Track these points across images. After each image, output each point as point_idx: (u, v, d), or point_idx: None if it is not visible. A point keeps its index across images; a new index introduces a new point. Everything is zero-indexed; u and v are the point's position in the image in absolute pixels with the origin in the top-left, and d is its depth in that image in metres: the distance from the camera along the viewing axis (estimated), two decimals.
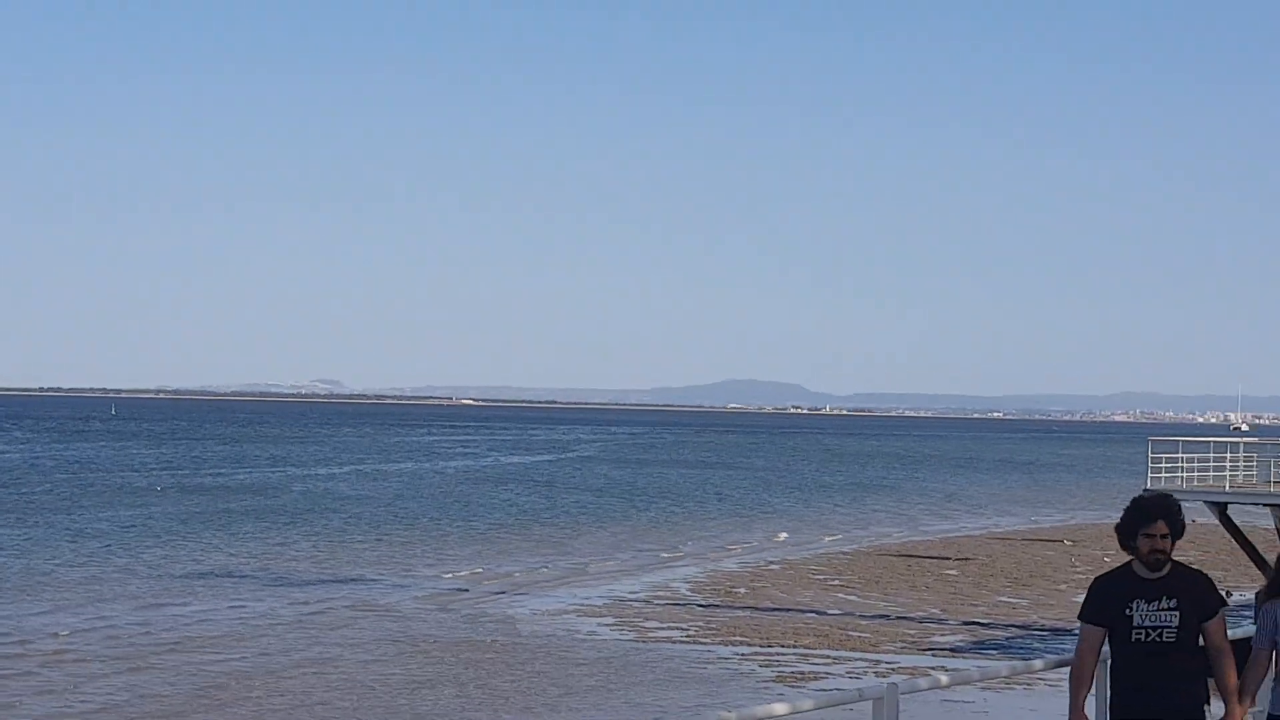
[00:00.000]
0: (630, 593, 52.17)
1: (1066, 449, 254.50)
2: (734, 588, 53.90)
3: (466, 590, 51.96)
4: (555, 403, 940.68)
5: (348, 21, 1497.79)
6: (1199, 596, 9.40)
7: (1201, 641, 9.41)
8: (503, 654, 38.69)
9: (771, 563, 63.37)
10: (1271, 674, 9.69)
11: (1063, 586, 55.72)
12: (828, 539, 75.90)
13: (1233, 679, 9.39)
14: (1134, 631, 9.28)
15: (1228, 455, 48.98)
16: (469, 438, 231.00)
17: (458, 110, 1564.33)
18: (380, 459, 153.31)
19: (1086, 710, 9.56)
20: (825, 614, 47.75)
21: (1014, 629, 45.36)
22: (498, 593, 51.61)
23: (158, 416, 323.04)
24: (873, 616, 47.02)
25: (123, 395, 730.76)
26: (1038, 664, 12.60)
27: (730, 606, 48.90)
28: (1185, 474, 48.18)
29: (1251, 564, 46.10)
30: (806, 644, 41.32)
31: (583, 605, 48.75)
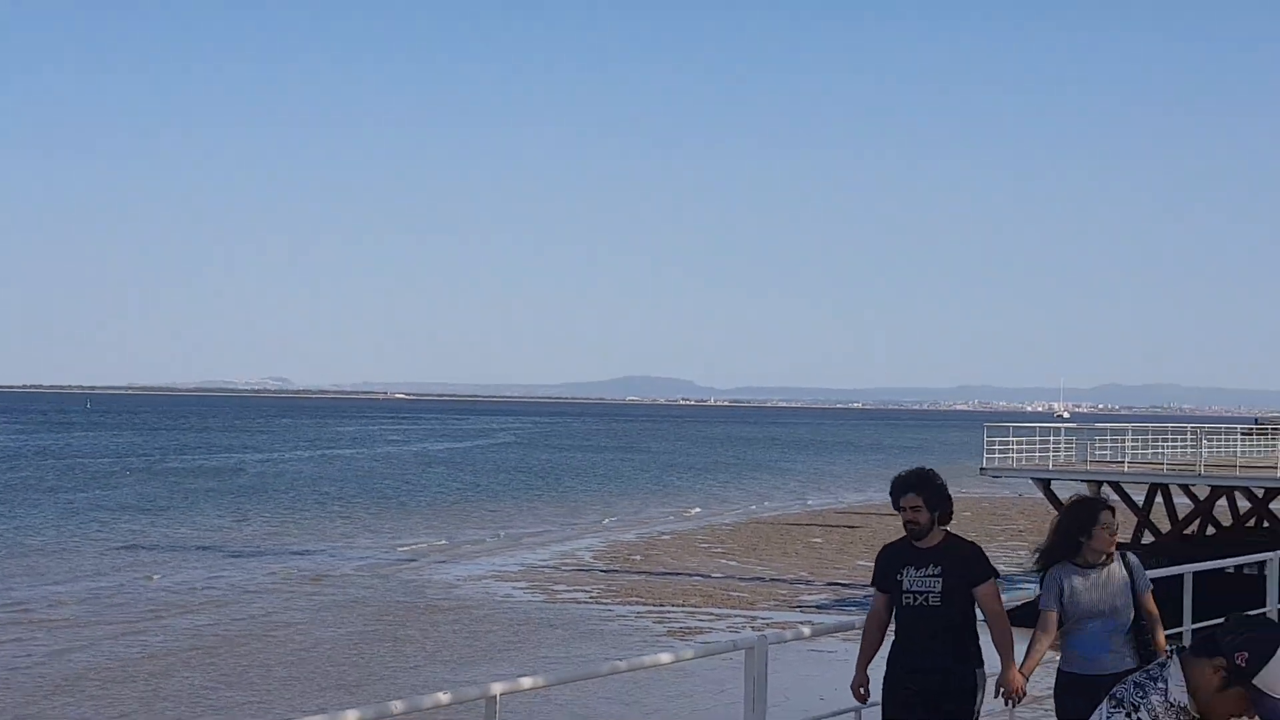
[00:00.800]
0: (542, 560, 52.33)
1: (916, 435, 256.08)
2: (631, 555, 54.18)
3: (401, 560, 52.03)
4: (476, 396, 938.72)
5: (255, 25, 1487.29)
6: (966, 565, 9.10)
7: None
8: (431, 615, 38.91)
9: (664, 534, 63.60)
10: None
11: None
12: (711, 511, 76.36)
13: (1009, 640, 9.11)
14: (904, 595, 9.09)
15: (1051, 439, 49.64)
16: (402, 427, 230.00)
17: (383, 119, 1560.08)
18: (325, 446, 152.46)
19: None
20: (710, 577, 48.13)
21: (869, 588, 45.81)
22: (428, 562, 51.60)
23: (128, 410, 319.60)
24: (750, 579, 47.40)
25: (97, 391, 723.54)
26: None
27: (628, 572, 49.18)
28: (1015, 455, 48.88)
29: None
30: (693, 603, 41.71)
31: (500, 572, 48.95)
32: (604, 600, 42.03)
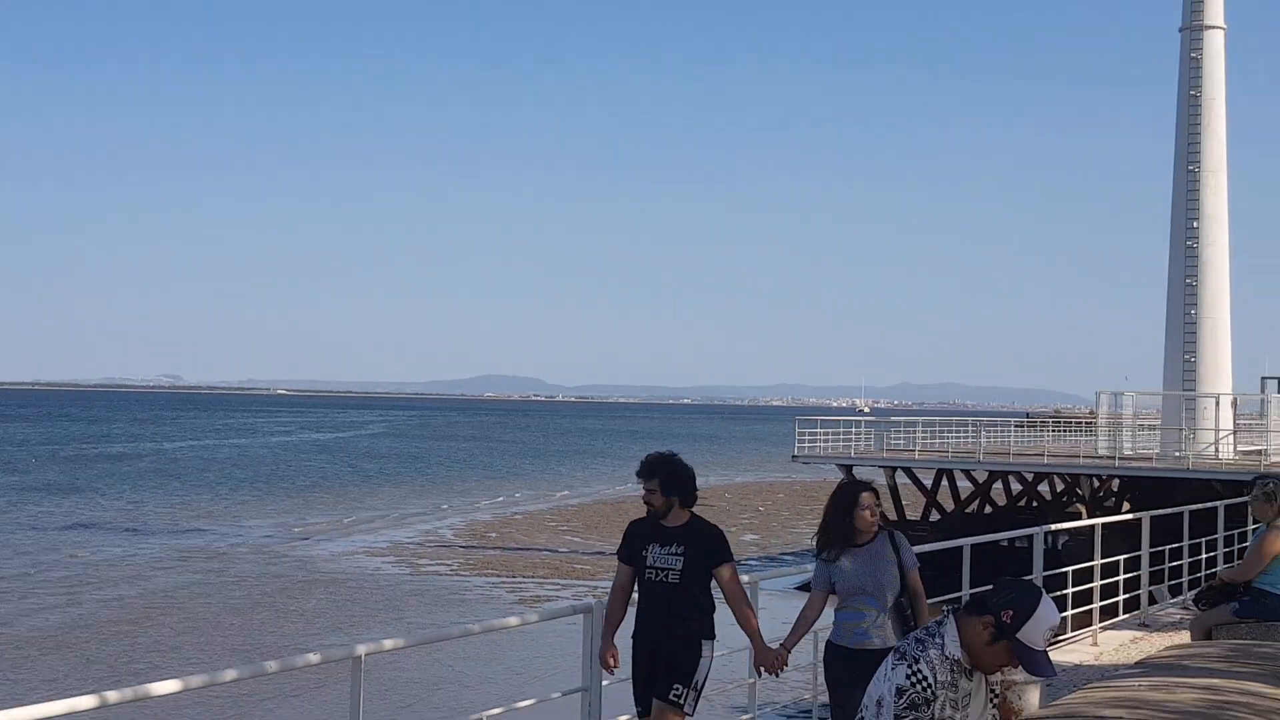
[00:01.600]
0: (408, 538, 52.06)
1: (739, 426, 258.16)
2: (487, 533, 54.08)
3: (284, 538, 51.48)
4: (350, 392, 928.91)
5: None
6: (707, 546, 8.60)
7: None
8: (309, 587, 38.64)
9: (516, 514, 63.57)
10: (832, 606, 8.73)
11: (732, 529, 56.74)
12: (559, 494, 76.37)
13: (749, 618, 8.68)
14: (647, 570, 8.60)
15: (853, 430, 50.35)
16: (284, 420, 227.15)
17: (263, 123, 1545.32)
18: (216, 436, 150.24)
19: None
20: (557, 551, 48.19)
21: (775, 557, 46.12)
22: (308, 539, 51.14)
23: (33, 404, 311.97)
24: (592, 553, 47.45)
25: (4, 386, 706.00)
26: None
27: (484, 547, 49.08)
28: (822, 444, 49.49)
29: None
30: (542, 575, 41.74)
31: (371, 548, 48.64)
32: (462, 573, 41.92)
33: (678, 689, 8.38)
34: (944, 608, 7.12)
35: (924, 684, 5.06)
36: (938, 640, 5.17)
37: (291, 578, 40.36)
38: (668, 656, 8.46)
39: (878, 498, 8.68)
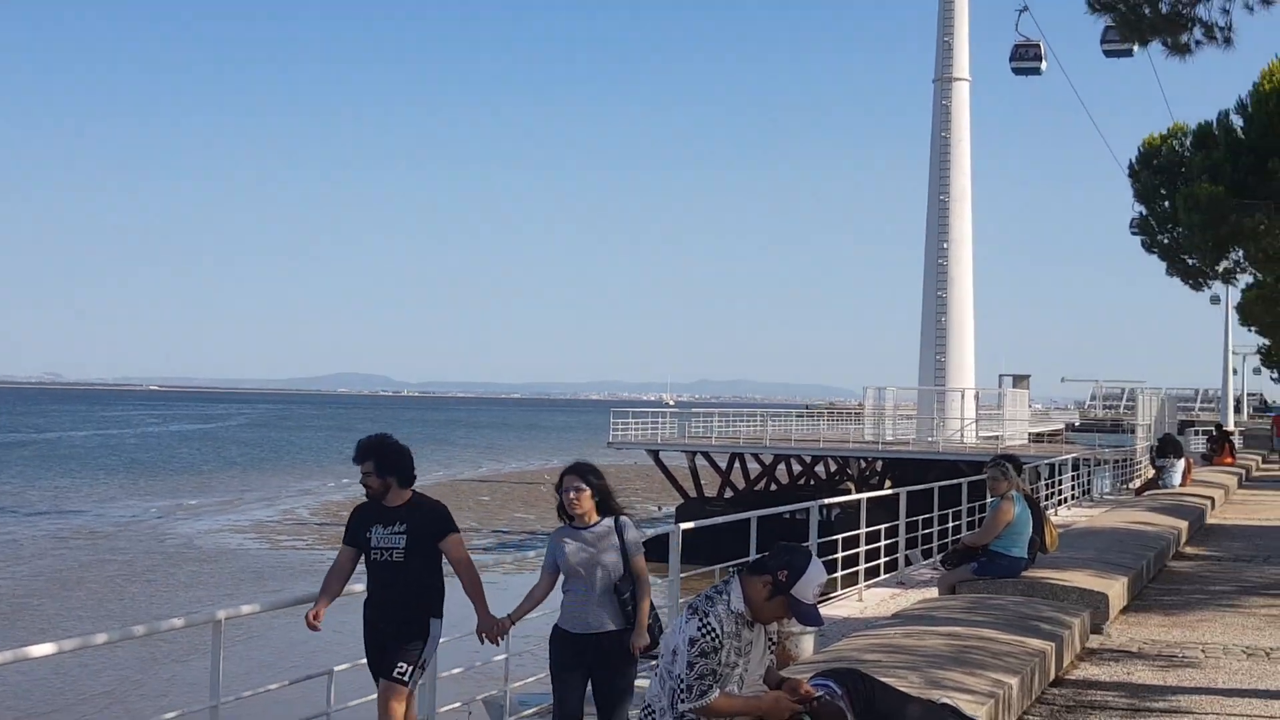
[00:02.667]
0: (269, 517, 51.07)
1: (563, 418, 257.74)
2: (340, 511, 53.13)
3: (155, 517, 50.15)
4: (216, 387, 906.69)
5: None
6: (429, 522, 7.80)
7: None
8: (178, 561, 37.76)
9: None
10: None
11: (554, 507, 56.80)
12: None
13: (476, 586, 7.78)
14: (372, 551, 7.80)
15: (660, 420, 50.69)
16: (158, 412, 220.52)
17: (145, 125, 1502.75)
18: (92, 428, 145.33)
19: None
20: None
21: (524, 534, 46.01)
22: (178, 519, 49.85)
23: None
24: None
25: None
26: (530, 554, 12.83)
27: (338, 524, 48.24)
28: (634, 432, 49.74)
29: (674, 488, 47.82)
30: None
31: (235, 525, 47.61)
32: (317, 547, 41.19)
33: (402, 667, 7.64)
34: (730, 569, 6.90)
35: (712, 634, 5.12)
36: (724, 596, 5.24)
37: (162, 553, 39.36)
38: (394, 635, 7.71)
39: (592, 480, 7.61)
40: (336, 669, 8.13)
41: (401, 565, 7.70)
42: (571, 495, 7.47)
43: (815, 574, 5.20)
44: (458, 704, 9.19)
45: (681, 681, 5.09)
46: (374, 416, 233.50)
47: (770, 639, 5.45)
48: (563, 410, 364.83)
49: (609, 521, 7.55)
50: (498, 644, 7.74)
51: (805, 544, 13.09)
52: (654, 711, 5.29)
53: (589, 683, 7.35)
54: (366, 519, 7.95)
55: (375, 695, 7.79)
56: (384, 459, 7.93)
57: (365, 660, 7.93)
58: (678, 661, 5.12)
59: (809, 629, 8.48)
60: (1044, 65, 45.67)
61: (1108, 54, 39.27)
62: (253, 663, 22.53)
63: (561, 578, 7.60)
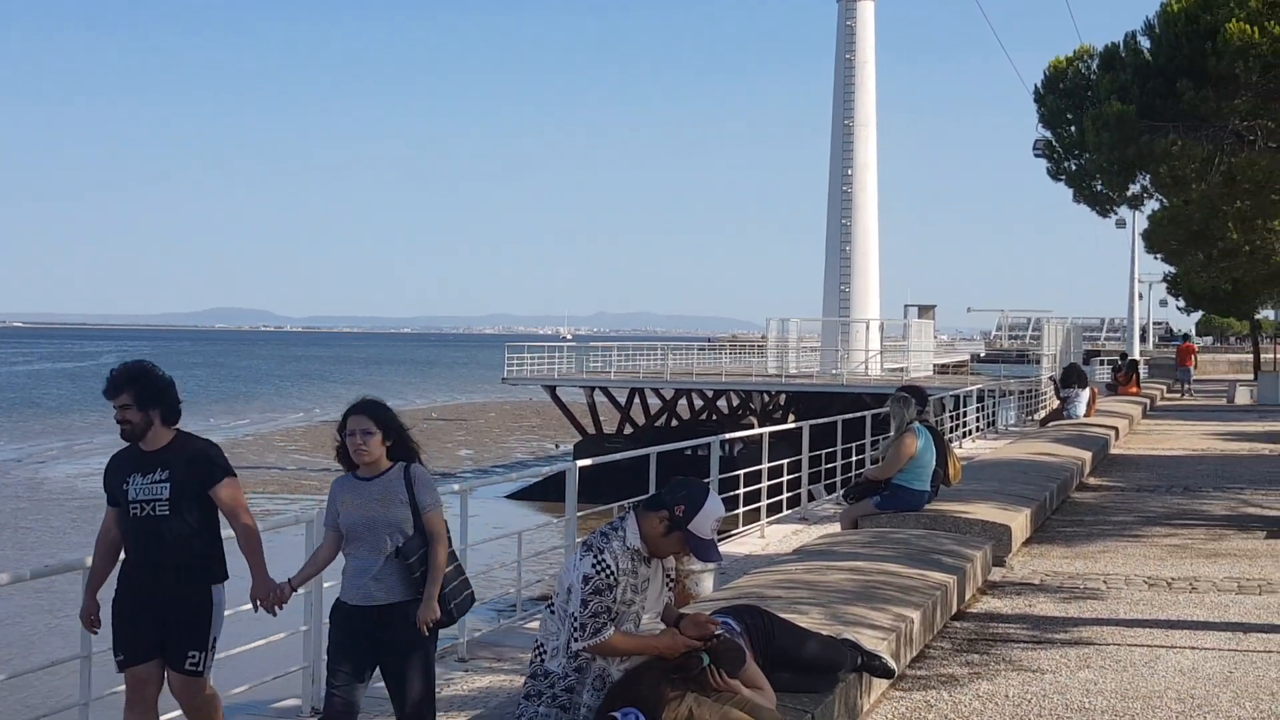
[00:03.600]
0: None
1: (456, 353, 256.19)
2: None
3: (22, 461, 49.30)
4: (84, 324, 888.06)
5: None
6: (195, 466, 6.49)
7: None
8: (47, 505, 37.21)
9: (246, 435, 62.08)
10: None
11: (448, 445, 56.60)
12: (288, 416, 74.82)
13: (252, 546, 6.53)
14: (130, 506, 6.45)
15: (557, 354, 50.67)
16: (22, 350, 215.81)
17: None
18: None
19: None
20: (285, 469, 47.30)
21: (489, 470, 45.85)
22: (46, 462, 49.09)
23: None
24: (319, 470, 46.67)
25: None
26: (478, 487, 12.61)
27: None
28: (530, 367, 49.71)
29: (571, 425, 47.92)
30: (272, 490, 40.94)
31: (101, 471, 46.88)
32: None
33: (193, 656, 6.41)
34: (626, 505, 6.72)
35: (607, 571, 5.16)
36: (620, 533, 5.28)
37: (30, 498, 38.70)
38: (172, 613, 6.41)
39: (385, 419, 6.42)
40: None
41: (167, 520, 6.42)
42: (359, 440, 6.23)
43: (713, 509, 5.26)
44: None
45: (575, 620, 5.14)
46: (256, 353, 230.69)
47: (668, 575, 5.50)
48: (455, 345, 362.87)
49: (398, 469, 6.30)
50: (274, 613, 6.44)
51: (706, 480, 13.22)
52: (545, 651, 5.33)
53: (377, 667, 6.22)
54: (123, 468, 6.65)
55: (259, 642, 7.58)
56: (145, 389, 6.61)
57: (115, 642, 6.50)
58: (572, 599, 5.16)
59: (707, 565, 8.56)
60: None
61: None
62: None
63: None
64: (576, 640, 5.15)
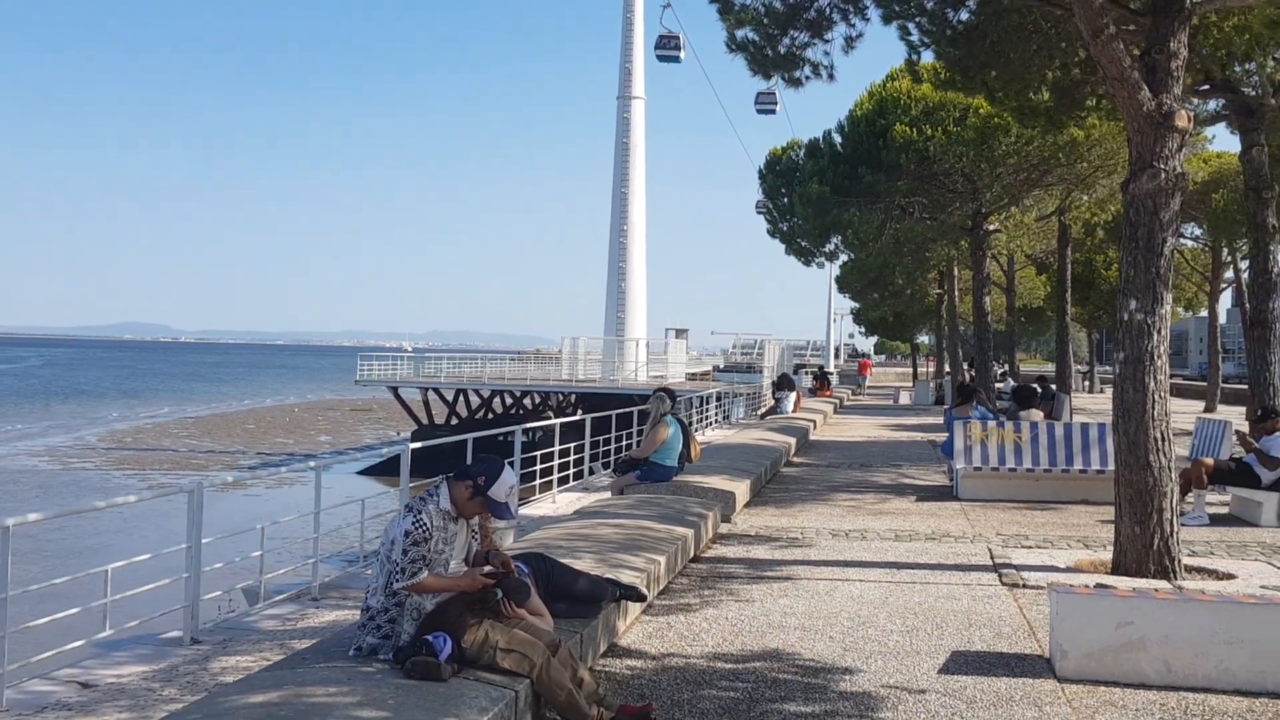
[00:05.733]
0: (60, 443, 47.49)
1: (323, 361, 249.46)
2: (124, 438, 50.11)
3: None
4: (7, 334, 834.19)
5: None
6: None
7: None
8: None
9: (148, 424, 59.18)
10: None
11: (311, 431, 54.99)
12: (183, 408, 71.62)
13: None
14: None
15: (399, 362, 49.86)
16: None
17: None
18: None
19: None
20: (179, 451, 45.22)
21: (284, 454, 44.47)
22: None
23: None
24: (205, 452, 44.91)
25: None
26: (284, 469, 12.25)
27: (122, 449, 45.49)
28: (377, 371, 48.73)
29: (410, 417, 47.09)
30: (166, 467, 39.05)
31: (29, 449, 44.15)
32: (104, 468, 38.68)
33: None
34: (440, 476, 6.71)
35: (423, 527, 5.10)
36: (435, 498, 5.23)
37: None
38: None
39: None
40: (112, 566, 7.69)
41: None
42: None
43: (507, 479, 5.24)
44: (219, 592, 8.84)
45: (397, 565, 5.07)
46: (156, 358, 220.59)
47: (473, 531, 5.47)
48: (317, 354, 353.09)
49: None
50: None
51: (508, 458, 13.15)
52: (370, 592, 5.25)
53: None
54: None
55: (147, 586, 7.31)
56: None
57: None
58: (395, 549, 5.09)
59: (505, 523, 8.52)
60: (683, 54, 46.90)
61: (759, 112, 41.06)
62: (44, 566, 21.01)
63: None
64: (398, 581, 5.08)
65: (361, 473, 37.16)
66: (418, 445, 10.97)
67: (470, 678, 4.87)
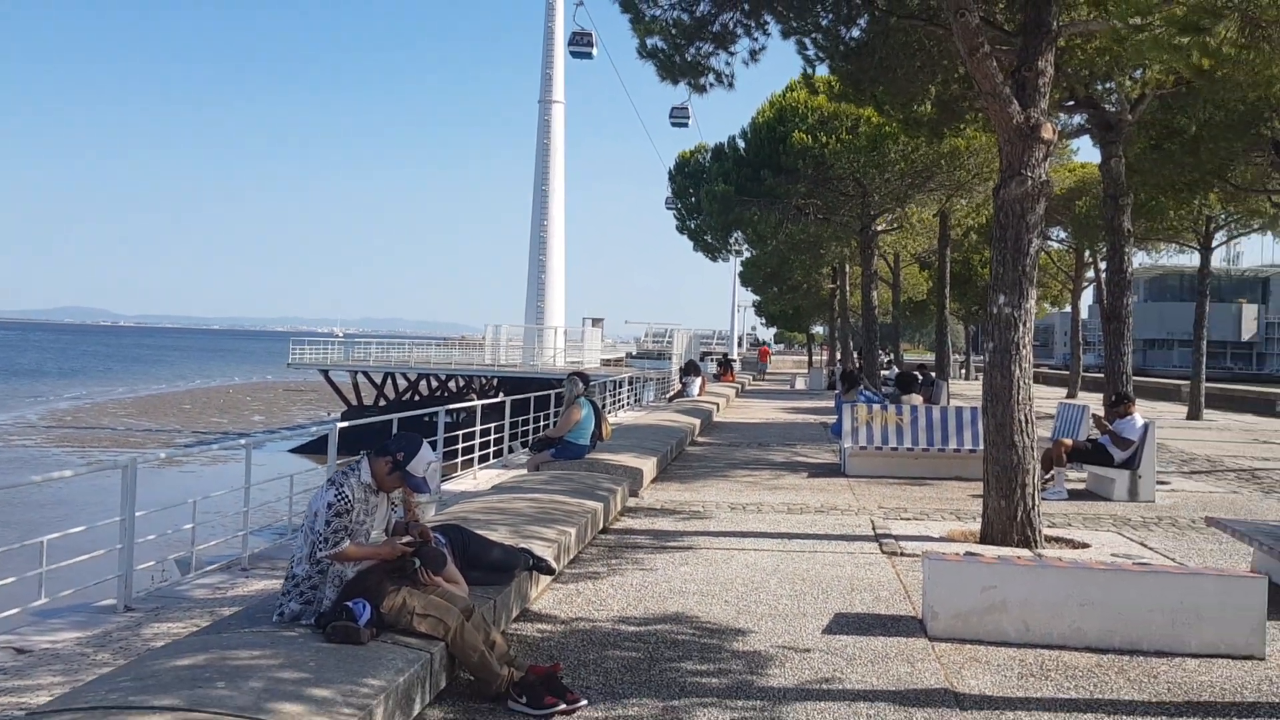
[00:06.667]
0: (1, 421, 45.88)
1: (258, 345, 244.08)
2: (64, 417, 48.55)
3: None
4: None
5: None
6: None
7: None
8: None
9: (86, 404, 57.36)
10: None
11: (246, 411, 53.80)
12: (119, 389, 69.52)
13: None
14: None
15: (330, 347, 49.03)
16: None
17: None
18: None
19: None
20: (117, 430, 43.93)
21: (219, 433, 43.48)
22: None
23: None
24: (144, 431, 43.72)
25: None
26: (215, 447, 11.96)
27: (62, 427, 44.07)
28: (309, 355, 47.88)
29: (340, 399, 46.37)
30: (104, 445, 37.92)
31: None
32: (44, 445, 37.46)
33: None
34: (361, 451, 6.55)
35: (345, 499, 5.02)
36: (356, 472, 5.15)
37: None
38: None
39: None
40: (47, 538, 7.44)
41: None
42: None
43: (425, 455, 5.18)
44: (152, 563, 8.62)
45: (320, 535, 4.98)
46: (99, 342, 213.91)
47: (392, 504, 5.40)
48: (252, 339, 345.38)
49: None
50: None
51: (433, 438, 13.02)
52: (294, 560, 5.16)
53: None
54: None
55: (82, 557, 7.11)
56: None
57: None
58: (318, 520, 5.00)
59: (426, 497, 8.44)
60: (595, 51, 46.86)
61: (674, 125, 41.17)
62: None
63: None
64: (320, 550, 4.99)
65: (293, 451, 36.50)
66: (346, 425, 10.80)
67: (388, 641, 4.81)
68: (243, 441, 9.19)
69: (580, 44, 46.22)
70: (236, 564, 8.43)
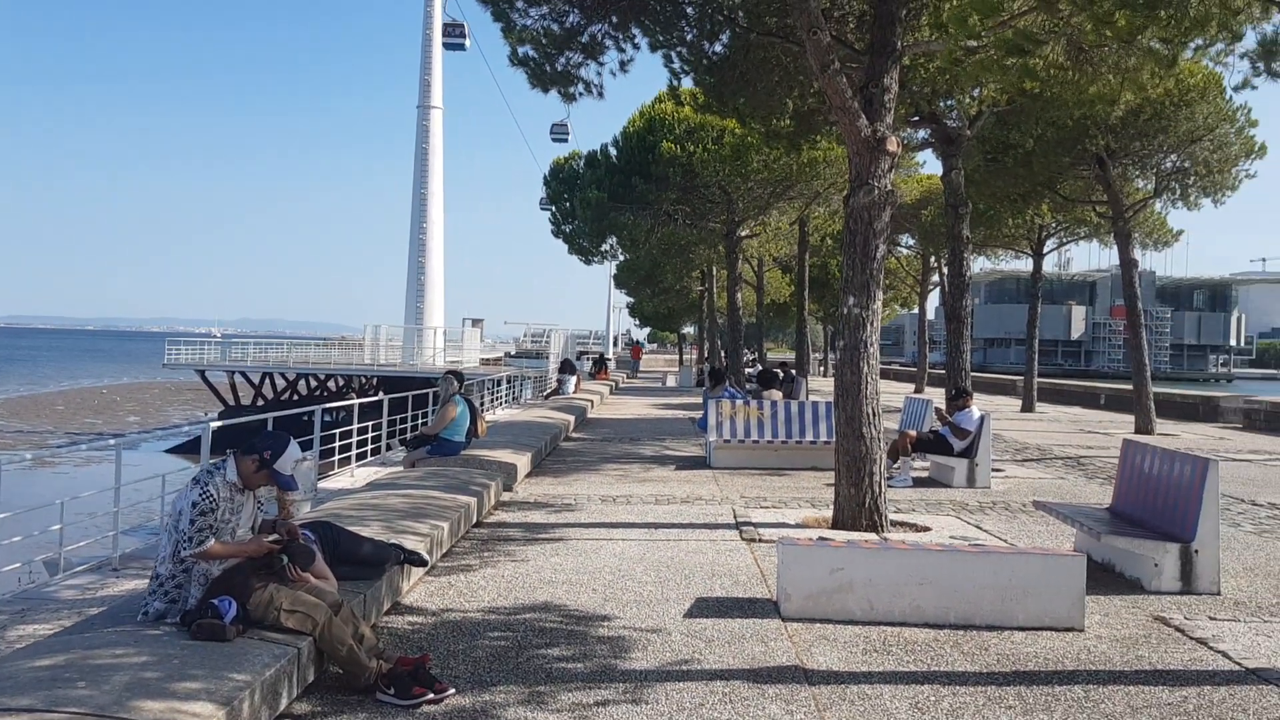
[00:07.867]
0: None
1: (136, 346, 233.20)
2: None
3: None
4: None
5: None
6: None
7: None
8: None
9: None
10: None
11: (120, 412, 51.43)
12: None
13: None
14: None
15: (208, 347, 47.30)
16: None
17: None
18: None
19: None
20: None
21: (93, 434, 41.41)
22: None
23: None
24: (14, 431, 41.29)
25: None
26: (86, 449, 11.37)
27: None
28: (186, 355, 46.15)
29: (217, 399, 44.78)
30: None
31: None
32: None
33: None
34: (228, 450, 6.33)
35: (210, 498, 4.86)
36: (222, 470, 4.99)
37: None
38: None
39: None
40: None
41: None
42: None
43: (292, 453, 5.05)
44: (18, 564, 8.17)
45: (185, 534, 4.80)
46: None
47: (259, 502, 5.24)
48: (128, 339, 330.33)
49: None
50: None
51: (309, 436, 12.64)
52: (159, 559, 4.96)
53: None
54: None
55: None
56: None
57: None
58: (182, 520, 4.82)
59: (297, 495, 8.22)
60: (468, 43, 46.68)
61: (554, 140, 41.05)
62: None
63: None
64: (184, 549, 4.82)
65: (169, 451, 35.07)
66: (218, 424, 10.41)
67: (255, 637, 4.67)
68: (112, 441, 8.76)
69: (453, 35, 45.88)
70: (107, 564, 8.05)
